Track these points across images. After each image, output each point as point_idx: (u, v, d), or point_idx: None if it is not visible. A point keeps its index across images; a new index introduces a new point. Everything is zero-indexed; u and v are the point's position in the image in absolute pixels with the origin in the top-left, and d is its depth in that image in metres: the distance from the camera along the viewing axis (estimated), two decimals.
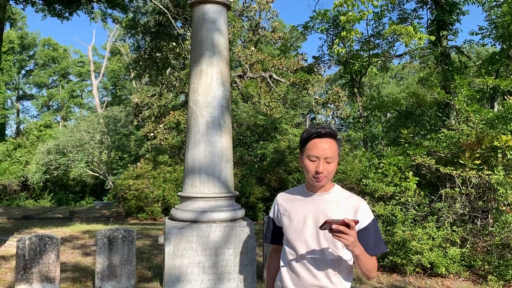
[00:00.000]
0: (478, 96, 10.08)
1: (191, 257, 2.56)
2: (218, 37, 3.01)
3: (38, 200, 32.06)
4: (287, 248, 1.98)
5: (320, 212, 1.90)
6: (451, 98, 8.95)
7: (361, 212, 1.89)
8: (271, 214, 2.11)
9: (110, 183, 28.17)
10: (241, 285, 2.62)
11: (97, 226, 11.98)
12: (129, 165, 23.81)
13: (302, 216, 1.94)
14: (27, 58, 45.45)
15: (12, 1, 9.16)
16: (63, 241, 8.93)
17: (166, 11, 11.28)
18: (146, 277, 6.46)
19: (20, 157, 32.96)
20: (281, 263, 2.03)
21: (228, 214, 2.73)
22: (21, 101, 47.03)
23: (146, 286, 5.99)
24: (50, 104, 47.68)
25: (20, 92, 46.54)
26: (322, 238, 1.88)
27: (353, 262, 1.91)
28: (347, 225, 1.64)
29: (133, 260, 5.80)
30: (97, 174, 29.77)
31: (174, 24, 12.01)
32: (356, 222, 1.68)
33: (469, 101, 8.50)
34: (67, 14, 9.55)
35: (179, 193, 2.85)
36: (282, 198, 2.08)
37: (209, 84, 2.91)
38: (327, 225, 1.67)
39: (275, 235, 2.09)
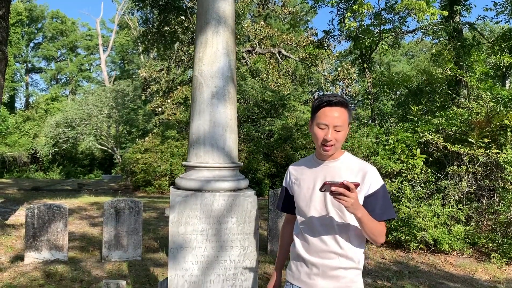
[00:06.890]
0: (492, 73, 9.91)
1: (195, 224, 2.58)
2: (224, 6, 2.95)
3: (47, 173, 32.51)
4: (298, 216, 2.02)
5: (328, 179, 1.90)
6: (463, 74, 8.81)
7: (369, 177, 1.87)
8: (284, 184, 2.17)
9: (118, 157, 28.40)
10: (243, 253, 2.65)
11: (105, 198, 12.15)
12: (137, 139, 23.93)
13: (311, 183, 1.95)
14: (36, 31, 45.36)
15: None
16: (71, 212, 9.08)
17: None
18: (153, 248, 6.58)
19: (29, 129, 33.27)
20: (294, 231, 2.08)
21: (232, 183, 2.74)
22: (30, 74, 47.19)
23: (152, 256, 6.10)
24: (58, 77, 47.77)
25: (29, 65, 46.64)
26: (330, 204, 1.88)
27: None
28: (348, 188, 1.63)
29: (139, 230, 5.89)
30: (106, 148, 29.98)
31: None
32: (357, 184, 1.65)
33: (483, 77, 8.35)
34: None
35: (183, 163, 2.86)
36: (293, 168, 2.12)
37: (214, 53, 2.87)
38: (326, 187, 1.65)
39: (287, 203, 2.14)
